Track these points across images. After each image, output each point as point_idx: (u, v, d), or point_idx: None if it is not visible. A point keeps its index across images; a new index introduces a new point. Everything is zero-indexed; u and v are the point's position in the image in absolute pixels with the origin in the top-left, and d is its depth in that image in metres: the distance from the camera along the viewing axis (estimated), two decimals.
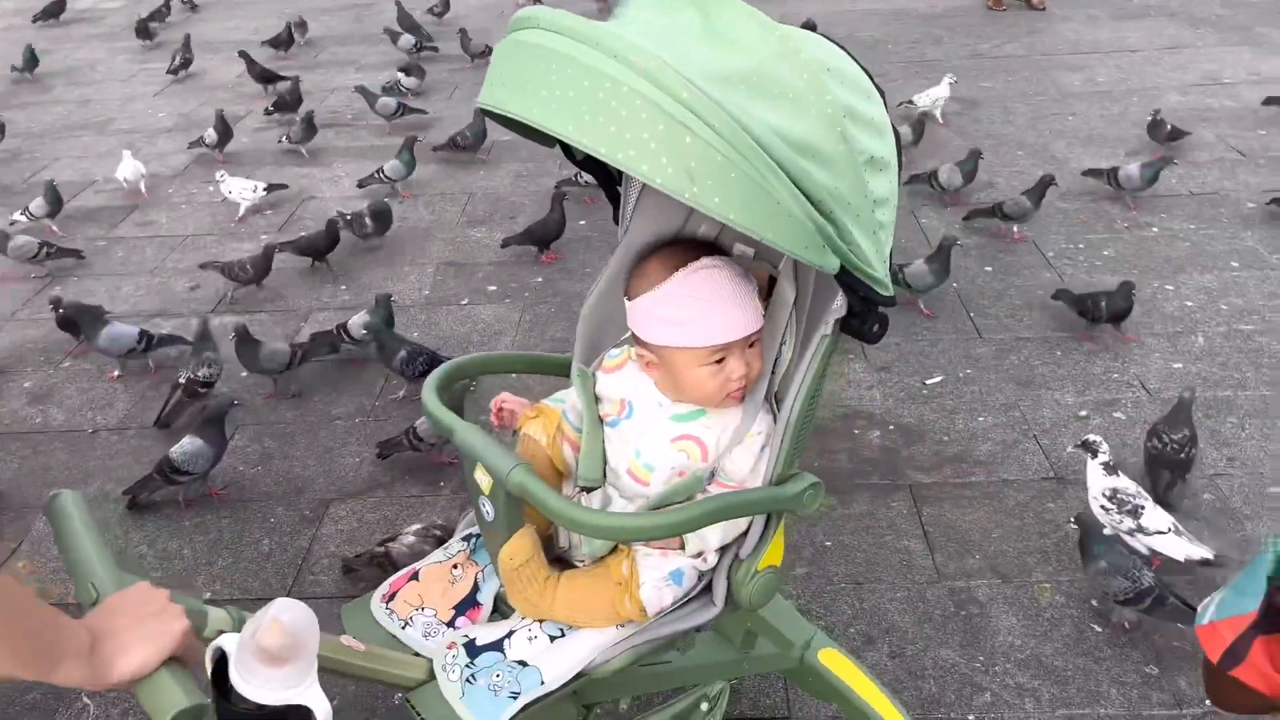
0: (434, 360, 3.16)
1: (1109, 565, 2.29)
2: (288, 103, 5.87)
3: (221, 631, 1.17)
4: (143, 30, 7.63)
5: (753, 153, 1.14)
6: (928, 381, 3.30)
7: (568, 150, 1.54)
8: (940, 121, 5.34)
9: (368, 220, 4.27)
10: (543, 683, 1.37)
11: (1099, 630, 2.35)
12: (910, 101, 5.30)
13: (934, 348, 3.48)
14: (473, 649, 1.42)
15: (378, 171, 4.83)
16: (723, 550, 1.50)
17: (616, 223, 1.65)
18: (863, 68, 1.38)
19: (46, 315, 4.00)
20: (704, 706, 1.95)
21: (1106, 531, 2.44)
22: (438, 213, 4.75)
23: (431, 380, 1.54)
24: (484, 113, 1.29)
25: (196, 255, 4.43)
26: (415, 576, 1.57)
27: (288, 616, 1.12)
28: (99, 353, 3.53)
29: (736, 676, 2.07)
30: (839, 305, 1.37)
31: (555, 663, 1.39)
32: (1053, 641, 2.33)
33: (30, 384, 3.56)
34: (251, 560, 2.71)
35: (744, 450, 1.46)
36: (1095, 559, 2.32)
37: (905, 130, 4.81)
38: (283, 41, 7.19)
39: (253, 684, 1.13)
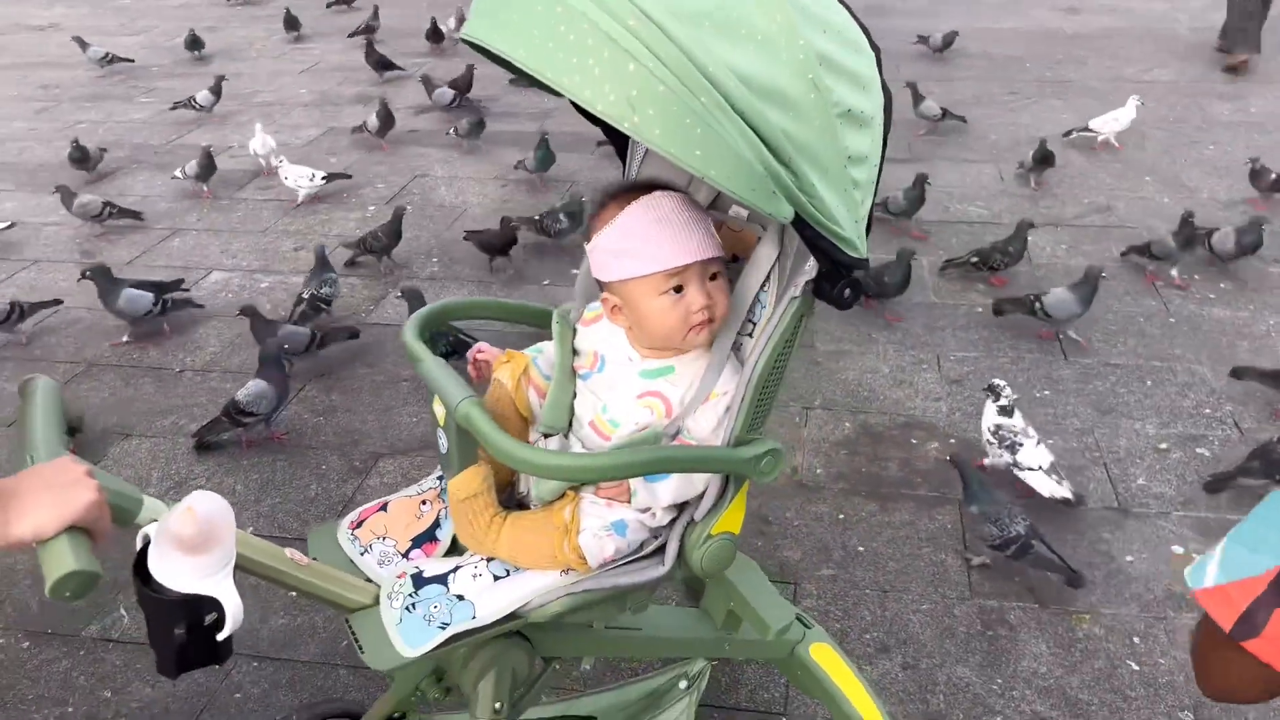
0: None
1: (980, 512, 2.42)
2: (461, 89, 5.92)
3: (155, 520, 1.22)
4: (291, 22, 7.97)
5: (700, 88, 1.11)
6: None
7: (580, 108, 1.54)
8: (1116, 145, 5.06)
9: (562, 217, 4.12)
10: (474, 617, 1.37)
11: (1135, 668, 2.20)
12: (1087, 128, 5.02)
13: (1014, 365, 3.33)
14: (419, 580, 1.43)
15: (519, 164, 4.91)
16: (680, 512, 1.46)
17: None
18: (860, 25, 1.34)
19: (161, 263, 4.26)
20: (682, 684, 1.91)
21: (988, 461, 2.74)
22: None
23: (415, 317, 1.55)
24: (468, 45, 1.29)
25: (308, 220, 4.63)
26: (385, 508, 1.59)
27: (202, 506, 1.16)
28: (116, 315, 3.60)
29: (718, 657, 2.01)
30: (810, 267, 1.33)
31: (492, 599, 1.39)
32: (1081, 674, 2.19)
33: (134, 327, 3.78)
34: (297, 503, 2.80)
35: (708, 409, 1.43)
36: (971, 503, 2.46)
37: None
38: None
39: (166, 570, 1.16)
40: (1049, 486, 2.63)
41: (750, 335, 1.46)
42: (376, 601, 1.43)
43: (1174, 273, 3.76)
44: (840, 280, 1.31)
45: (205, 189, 4.90)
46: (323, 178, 4.77)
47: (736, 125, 1.13)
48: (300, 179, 4.73)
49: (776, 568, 2.50)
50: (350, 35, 7.60)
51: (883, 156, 1.32)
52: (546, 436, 1.51)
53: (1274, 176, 4.27)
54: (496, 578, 1.42)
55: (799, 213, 1.21)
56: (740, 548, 1.60)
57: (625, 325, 1.46)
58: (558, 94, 1.22)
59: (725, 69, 1.13)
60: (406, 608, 1.40)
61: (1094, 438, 2.96)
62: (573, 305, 1.63)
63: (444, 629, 1.35)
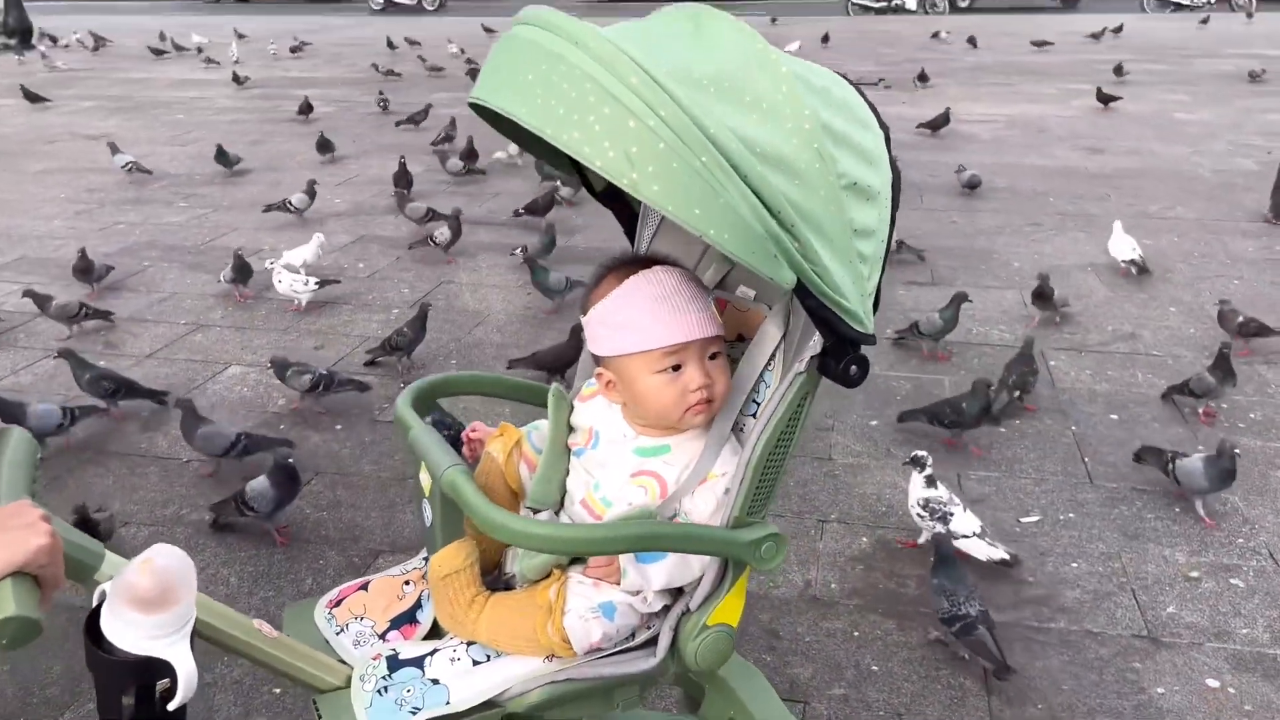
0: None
1: (939, 585, 2.46)
2: (539, 207, 5.95)
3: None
4: (324, 145, 8.06)
5: (701, 146, 1.10)
6: (1023, 519, 3.05)
7: (582, 174, 1.54)
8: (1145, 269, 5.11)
9: None
10: (448, 702, 1.28)
11: None
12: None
13: (1037, 486, 3.23)
14: (394, 662, 1.35)
15: (517, 250, 5.00)
16: (675, 600, 1.38)
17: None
18: (867, 101, 1.33)
19: (182, 356, 4.28)
20: None
21: (921, 539, 2.85)
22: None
23: (411, 387, 1.52)
24: (473, 110, 1.29)
25: (331, 320, 4.66)
26: (365, 587, 1.52)
27: (162, 560, 1.10)
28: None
29: None
30: (815, 342, 1.28)
31: (468, 684, 1.30)
32: None
33: (147, 413, 3.77)
34: (291, 596, 2.72)
35: (706, 490, 1.36)
36: (934, 577, 2.49)
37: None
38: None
39: (118, 628, 1.10)
40: (985, 550, 2.74)
41: (753, 416, 1.41)
42: (348, 683, 1.35)
43: (1200, 409, 3.67)
44: (846, 356, 1.26)
45: (238, 291, 4.95)
46: (317, 283, 4.75)
47: (737, 186, 1.11)
48: (295, 284, 4.72)
49: (786, 685, 2.38)
50: (433, 144, 8.01)
51: (890, 233, 1.29)
52: (535, 512, 1.44)
53: (1241, 320, 4.16)
54: (476, 662, 1.34)
55: (802, 280, 1.17)
56: (749, 663, 1.51)
57: (620, 401, 1.42)
58: (561, 158, 1.21)
59: (727, 131, 1.11)
60: (378, 690, 1.31)
61: (1120, 563, 2.84)
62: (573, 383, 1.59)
63: (414, 714, 1.27)
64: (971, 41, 14.77)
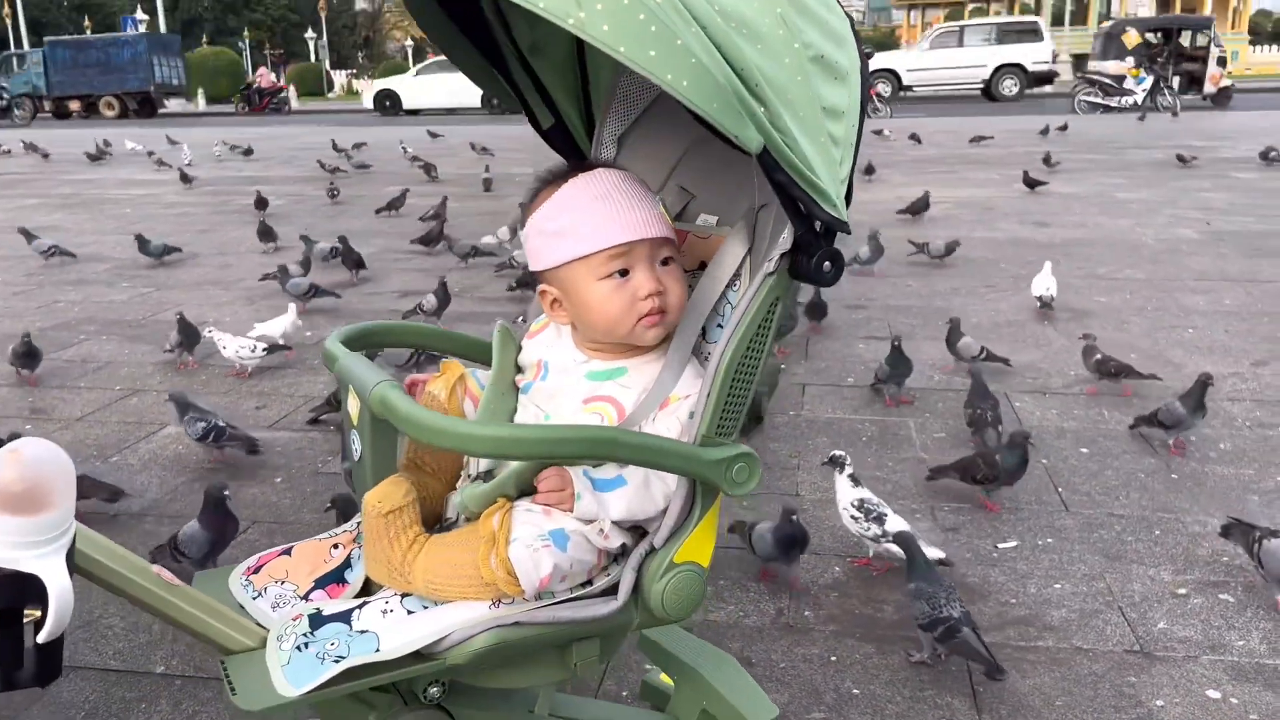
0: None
1: (916, 589, 2.33)
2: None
3: None
4: (265, 233, 7.66)
5: None
6: (1000, 545, 2.92)
7: (527, 107, 1.45)
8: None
9: None
10: (378, 649, 1.11)
11: None
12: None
13: (1012, 515, 3.11)
14: (317, 620, 1.18)
15: (416, 308, 4.85)
16: (637, 538, 1.23)
17: None
18: None
19: (114, 419, 4.07)
20: None
21: (871, 553, 2.75)
22: None
23: (339, 331, 1.38)
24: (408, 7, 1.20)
25: (274, 383, 4.48)
26: (289, 551, 1.35)
27: (31, 450, 0.94)
28: None
29: None
30: (786, 237, 1.17)
31: (401, 632, 1.13)
32: None
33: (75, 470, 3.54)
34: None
35: (668, 415, 1.23)
36: (911, 581, 2.36)
37: None
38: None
39: None
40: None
41: (715, 342, 1.28)
42: (262, 645, 1.17)
43: (1170, 441, 3.58)
44: (818, 250, 1.15)
45: (182, 359, 4.74)
46: (265, 349, 4.56)
47: (699, 38, 1.01)
48: (241, 350, 4.52)
49: None
50: (421, 219, 8.20)
51: (861, 120, 1.19)
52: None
53: (1098, 357, 4.17)
54: (410, 612, 1.17)
55: (770, 150, 1.07)
56: (720, 649, 1.35)
57: (567, 321, 1.28)
58: (506, 92, 1.10)
59: None
60: (297, 647, 1.14)
61: (1105, 583, 2.70)
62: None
63: (338, 662, 1.09)
64: (914, 138, 15.20)
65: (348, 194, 10.24)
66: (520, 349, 1.37)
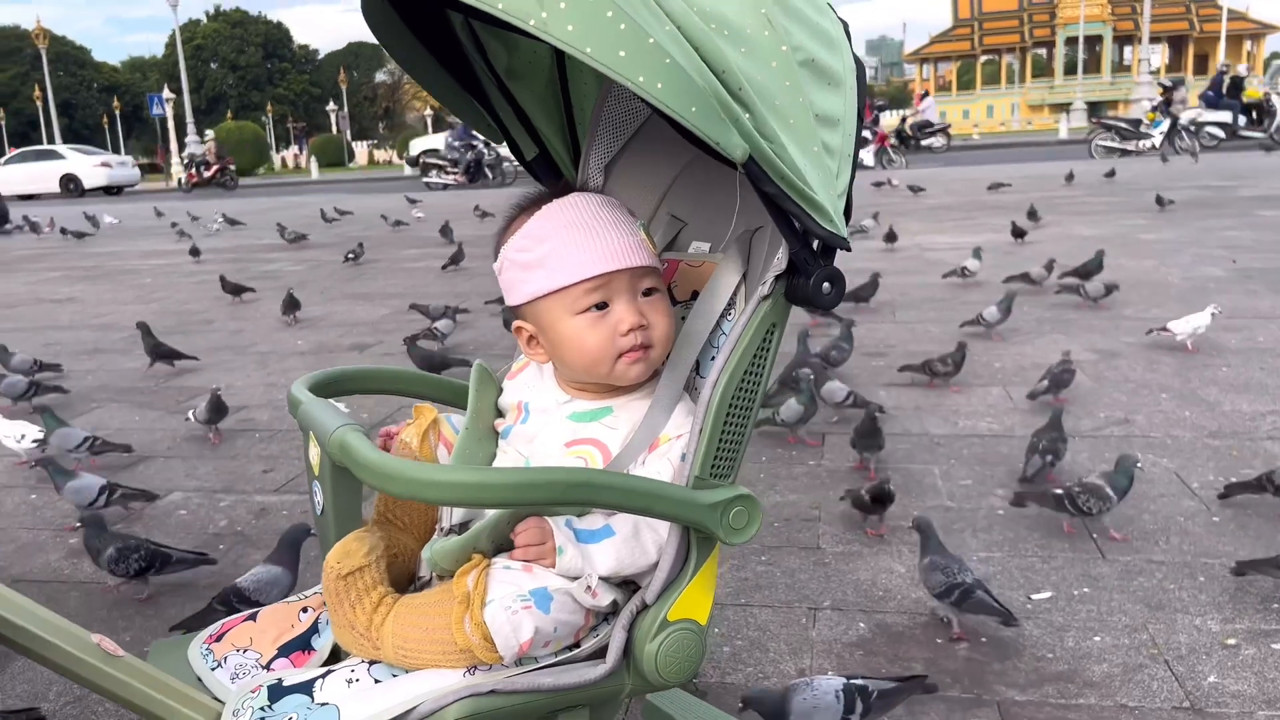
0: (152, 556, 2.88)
1: (931, 562, 2.51)
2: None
3: None
4: (290, 304, 7.38)
5: None
6: (1033, 596, 2.76)
7: (511, 140, 1.37)
8: (1190, 348, 5.25)
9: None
10: None
11: None
12: (1165, 329, 5.23)
13: (1045, 564, 2.95)
14: (277, 691, 1.07)
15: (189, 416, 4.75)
16: (629, 594, 1.11)
17: None
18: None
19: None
20: None
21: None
22: None
23: (304, 378, 1.28)
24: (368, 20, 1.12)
25: (283, 445, 4.40)
26: (254, 617, 1.24)
27: None
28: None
29: None
30: (781, 257, 1.07)
31: (367, 702, 1.02)
32: None
33: (76, 541, 3.46)
34: None
35: (658, 457, 1.12)
36: (925, 556, 2.55)
37: None
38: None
39: None
40: None
41: (707, 377, 1.18)
42: None
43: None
44: (816, 270, 1.05)
45: (211, 433, 4.64)
46: (35, 439, 4.07)
47: (672, 35, 0.92)
48: (10, 438, 4.10)
49: None
50: (443, 267, 9.00)
51: (858, 129, 1.10)
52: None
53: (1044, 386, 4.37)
54: (378, 681, 1.06)
55: (757, 159, 0.97)
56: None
57: (545, 359, 1.18)
58: (486, 121, 1.03)
59: None
60: None
61: (1148, 634, 2.54)
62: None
63: None
64: (913, 189, 15.17)
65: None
66: (500, 391, 1.27)
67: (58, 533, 3.52)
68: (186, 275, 10.41)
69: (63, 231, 15.54)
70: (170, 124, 47.57)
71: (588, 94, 1.41)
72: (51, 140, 46.46)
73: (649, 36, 0.90)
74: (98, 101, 78.86)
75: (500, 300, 6.29)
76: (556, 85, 1.41)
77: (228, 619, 1.24)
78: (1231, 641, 2.49)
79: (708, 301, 1.20)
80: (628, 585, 1.14)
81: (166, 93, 50.02)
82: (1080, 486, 3.07)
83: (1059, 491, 3.10)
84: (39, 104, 55.11)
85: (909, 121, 27.53)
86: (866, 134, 24.12)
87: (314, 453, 1.12)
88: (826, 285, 1.06)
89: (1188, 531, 3.12)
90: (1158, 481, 3.54)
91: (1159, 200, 11.54)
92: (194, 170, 30.58)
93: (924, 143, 26.87)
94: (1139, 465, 3.11)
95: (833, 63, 1.08)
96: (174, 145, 42.43)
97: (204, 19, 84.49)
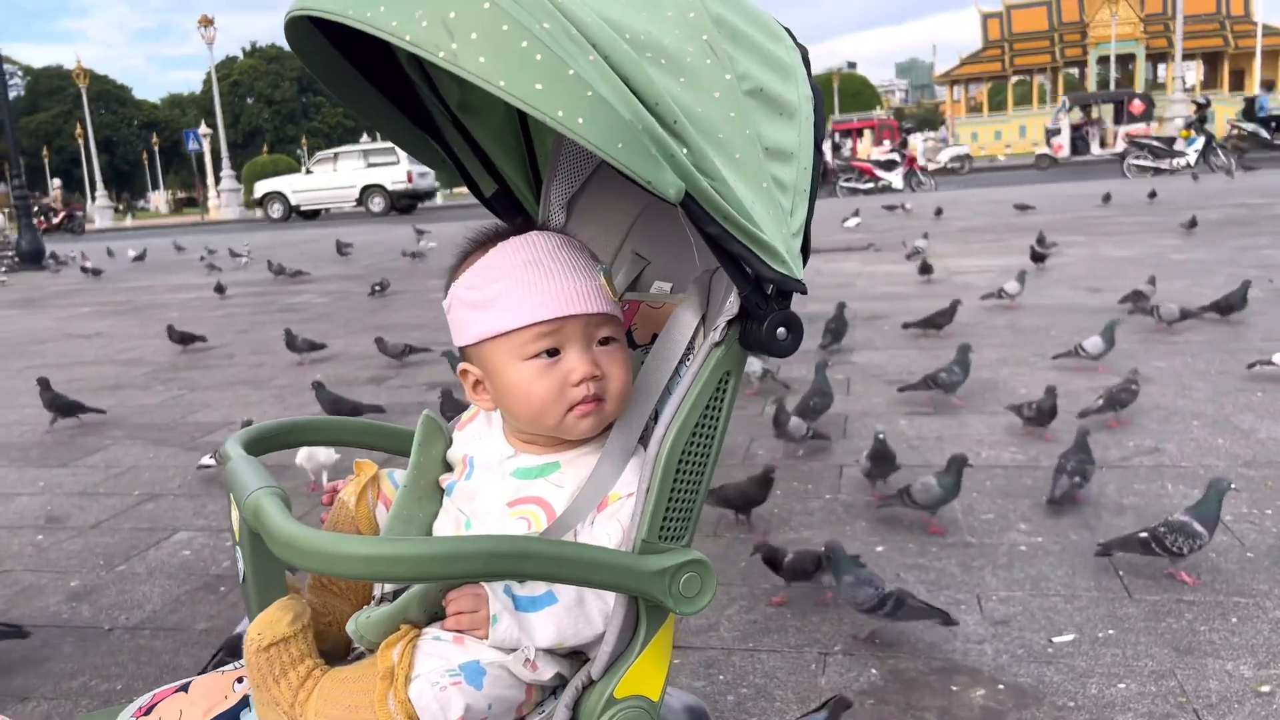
0: None
1: (855, 579, 2.57)
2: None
3: None
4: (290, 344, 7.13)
5: (542, 10, 0.84)
6: (1055, 639, 2.63)
7: (465, 174, 1.30)
8: None
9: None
10: None
11: None
12: (1270, 361, 4.91)
13: (1069, 604, 2.82)
14: None
15: None
16: (576, 666, 1.03)
17: None
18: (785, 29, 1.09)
19: (128, 525, 3.98)
20: None
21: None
22: None
23: (239, 433, 1.21)
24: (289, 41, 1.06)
25: (293, 481, 4.36)
26: (186, 687, 1.16)
27: None
28: None
29: None
30: (733, 302, 0.99)
31: None
32: None
33: (77, 584, 3.43)
34: None
35: (608, 518, 1.04)
36: (843, 576, 2.60)
37: None
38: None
39: None
40: None
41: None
42: None
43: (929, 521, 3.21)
44: (769, 315, 0.97)
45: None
46: None
47: (596, 65, 0.85)
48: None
49: None
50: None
51: (816, 162, 1.02)
52: None
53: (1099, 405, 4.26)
54: None
55: (696, 198, 0.89)
56: None
57: (491, 407, 1.10)
58: (433, 152, 0.97)
59: (584, 5, 0.87)
60: None
61: (1175, 681, 2.40)
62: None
63: None
64: (937, 212, 15.01)
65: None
66: (450, 443, 1.20)
67: (60, 575, 3.48)
68: (214, 309, 10.49)
69: (82, 270, 15.71)
70: (207, 159, 48.40)
71: (547, 127, 1.34)
72: (92, 178, 47.40)
73: (569, 68, 0.83)
74: (137, 138, 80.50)
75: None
76: (515, 118, 1.35)
77: (159, 689, 1.17)
78: (1265, 689, 2.35)
79: (665, 345, 1.12)
80: (576, 656, 1.05)
81: (203, 128, 50.97)
82: (1166, 526, 2.87)
83: (1144, 535, 2.90)
84: (80, 141, 56.31)
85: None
86: (895, 156, 23.99)
87: (235, 516, 1.05)
88: (782, 330, 0.98)
89: (1220, 569, 2.98)
90: None
91: (1193, 222, 11.29)
92: (42, 218, 32.80)
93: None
94: (1231, 486, 2.93)
95: (785, 92, 1.00)
96: (210, 179, 43.12)
97: (241, 55, 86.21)
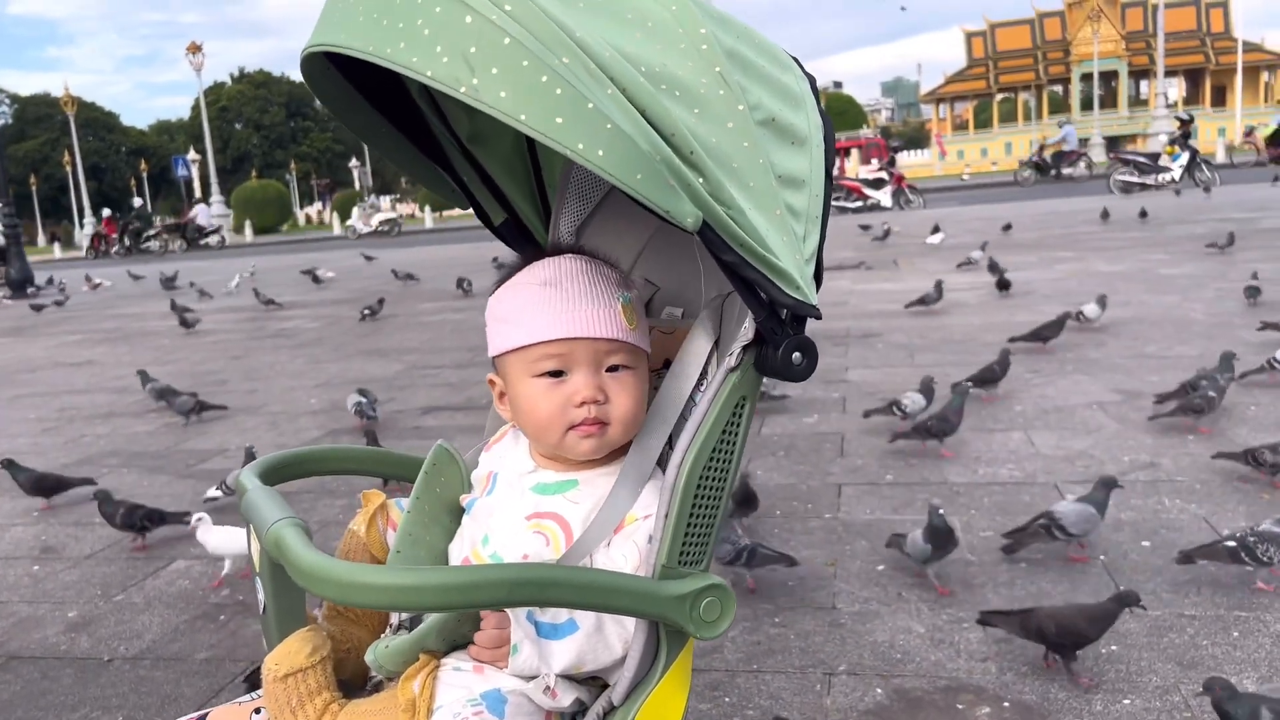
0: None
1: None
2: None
3: None
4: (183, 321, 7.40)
5: (561, 45, 0.86)
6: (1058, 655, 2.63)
7: (476, 204, 1.31)
8: None
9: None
10: None
11: None
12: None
13: None
14: None
15: None
16: (597, 692, 1.03)
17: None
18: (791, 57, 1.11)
19: (123, 557, 3.96)
20: None
21: None
22: None
23: (254, 463, 1.22)
24: (305, 79, 1.07)
25: (299, 507, 4.34)
26: (204, 719, 1.16)
27: None
28: None
29: None
30: (748, 327, 1.00)
31: None
32: None
33: (75, 614, 3.41)
34: None
35: (624, 539, 1.05)
36: None
37: None
38: None
39: None
40: None
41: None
42: None
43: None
44: (784, 340, 0.98)
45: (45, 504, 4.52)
46: None
47: (614, 97, 0.86)
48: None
49: None
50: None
51: (827, 189, 1.03)
52: None
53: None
54: None
55: (713, 226, 0.91)
56: None
57: (510, 417, 1.13)
58: (444, 182, 0.98)
59: (600, 40, 0.88)
60: None
61: (1180, 696, 2.41)
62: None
63: None
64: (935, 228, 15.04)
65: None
66: (467, 470, 1.20)
67: (57, 606, 3.46)
68: (203, 335, 10.46)
69: (58, 304, 15.48)
70: (196, 184, 48.41)
71: (557, 156, 1.36)
72: (80, 205, 47.38)
73: (587, 101, 0.84)
74: (125, 165, 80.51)
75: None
76: (524, 148, 1.36)
77: None
78: None
79: (679, 371, 1.13)
80: (594, 681, 1.06)
81: (191, 154, 50.97)
82: (1255, 535, 2.84)
83: (1232, 544, 2.87)
84: (68, 169, 56.27)
85: (1046, 151, 27.95)
86: (884, 175, 24.15)
87: (255, 547, 1.05)
88: (797, 355, 0.99)
89: (1220, 583, 2.99)
90: (1187, 529, 3.41)
91: (1230, 239, 10.82)
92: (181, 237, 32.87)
93: (1065, 171, 27.18)
94: None
95: (796, 120, 1.02)
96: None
97: (229, 81, 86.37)
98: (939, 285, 8.16)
